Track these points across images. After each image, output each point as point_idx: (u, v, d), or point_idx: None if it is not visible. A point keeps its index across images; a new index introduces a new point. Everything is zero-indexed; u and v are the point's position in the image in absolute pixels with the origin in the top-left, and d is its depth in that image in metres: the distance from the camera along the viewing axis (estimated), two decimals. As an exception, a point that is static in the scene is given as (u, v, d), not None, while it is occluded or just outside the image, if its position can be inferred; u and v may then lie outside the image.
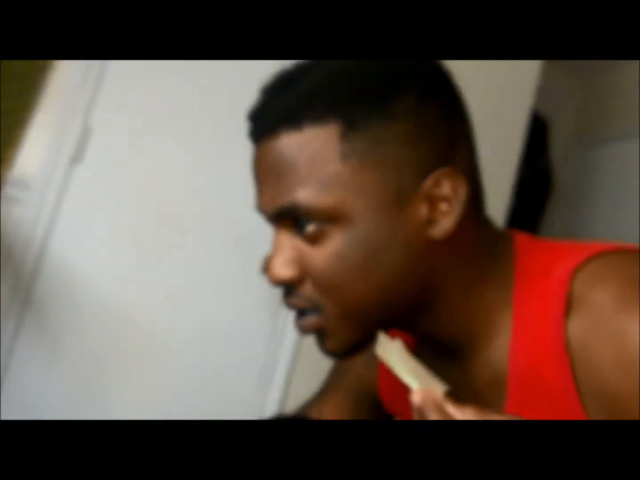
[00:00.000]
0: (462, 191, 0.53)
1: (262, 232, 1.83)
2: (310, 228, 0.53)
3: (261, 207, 0.57)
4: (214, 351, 1.89)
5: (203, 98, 1.92)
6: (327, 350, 0.58)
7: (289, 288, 0.56)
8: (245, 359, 1.91)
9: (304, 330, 0.57)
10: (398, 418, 0.73)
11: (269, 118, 0.54)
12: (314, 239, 0.53)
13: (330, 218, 0.52)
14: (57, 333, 1.82)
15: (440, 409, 0.42)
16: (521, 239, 0.59)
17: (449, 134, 0.54)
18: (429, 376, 0.45)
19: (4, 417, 1.74)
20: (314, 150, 0.52)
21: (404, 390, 0.67)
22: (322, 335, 0.57)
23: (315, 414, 0.77)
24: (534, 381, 0.53)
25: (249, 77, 1.82)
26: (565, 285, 0.52)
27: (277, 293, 1.84)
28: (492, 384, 0.57)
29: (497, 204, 2.09)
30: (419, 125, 0.53)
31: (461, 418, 0.41)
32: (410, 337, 0.65)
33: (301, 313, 0.57)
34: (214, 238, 1.91)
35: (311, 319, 0.56)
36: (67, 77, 1.83)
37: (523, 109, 2.14)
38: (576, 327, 0.51)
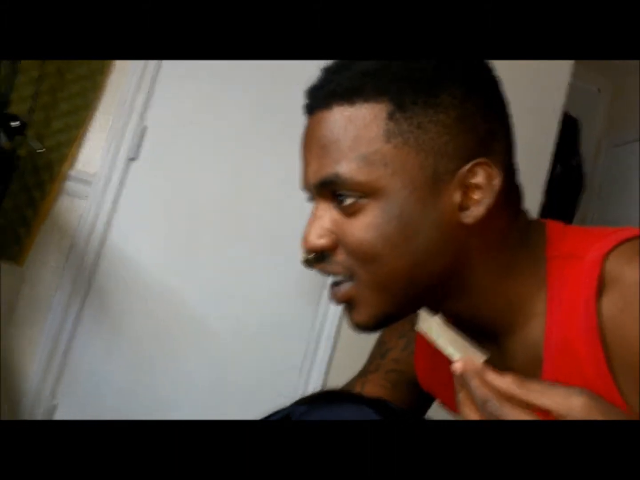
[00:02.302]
0: (496, 182, 0.54)
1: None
2: (349, 201, 0.54)
3: (305, 180, 0.59)
4: (260, 337, 1.96)
5: (251, 98, 1.98)
6: (356, 323, 0.59)
7: (323, 256, 0.58)
8: (288, 346, 1.98)
9: (337, 299, 0.59)
10: (435, 396, 0.76)
11: (325, 93, 0.56)
12: (351, 212, 0.55)
13: (368, 192, 0.54)
14: (116, 316, 1.90)
15: (481, 376, 0.42)
16: (553, 225, 0.60)
17: (488, 127, 0.56)
18: (469, 346, 0.45)
19: (68, 395, 1.85)
20: (361, 126, 0.54)
21: (440, 369, 0.67)
22: (352, 305, 0.58)
23: (357, 390, 0.78)
24: (567, 360, 0.53)
25: (296, 79, 1.86)
26: (597, 266, 0.52)
27: (318, 287, 1.93)
28: (528, 364, 0.57)
29: (530, 201, 2.06)
30: (461, 117, 0.54)
31: (500, 384, 0.41)
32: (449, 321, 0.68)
33: (335, 284, 0.58)
34: (263, 233, 1.97)
35: (344, 288, 0.57)
36: (124, 79, 1.91)
37: (555, 109, 2.15)
38: (608, 306, 0.51)
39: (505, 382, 0.41)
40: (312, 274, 1.93)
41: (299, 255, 1.94)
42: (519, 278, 0.57)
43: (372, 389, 0.78)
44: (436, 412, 0.78)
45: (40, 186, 1.84)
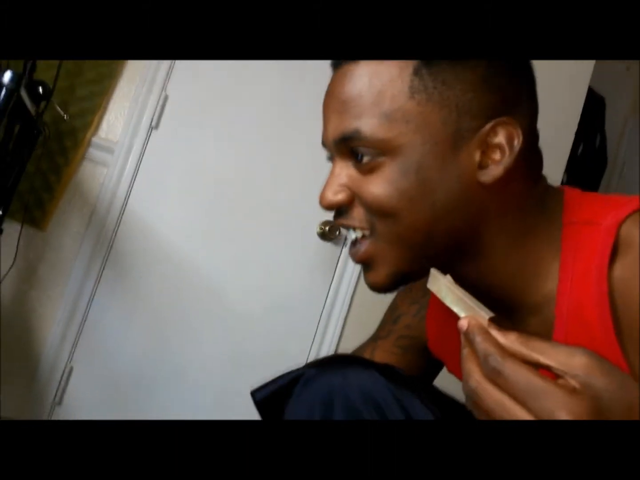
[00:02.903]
0: (516, 143, 0.54)
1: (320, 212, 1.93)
2: (366, 159, 0.55)
3: (325, 136, 0.59)
4: (275, 307, 1.99)
5: (275, 71, 1.97)
6: (373, 282, 0.60)
7: (340, 211, 0.59)
8: (302, 317, 2.01)
9: (357, 258, 0.60)
10: (444, 363, 0.77)
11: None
12: (368, 170, 0.55)
13: (387, 150, 0.54)
14: (134, 283, 1.94)
15: (485, 333, 0.42)
16: (571, 192, 0.61)
17: (512, 89, 0.55)
18: (476, 305, 0.45)
19: (84, 358, 1.91)
20: (386, 81, 0.54)
21: (450, 337, 0.68)
22: (370, 265, 0.59)
23: (367, 356, 0.81)
24: (577, 324, 0.54)
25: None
26: (613, 232, 0.53)
27: (332, 261, 1.95)
28: (541, 330, 0.58)
29: (551, 180, 2.08)
30: (487, 76, 0.54)
31: (504, 341, 0.41)
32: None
33: (355, 242, 0.60)
34: (281, 205, 1.99)
35: (365, 245, 0.58)
36: None
37: (580, 87, 2.12)
38: (620, 270, 0.52)
39: (509, 339, 0.42)
40: (327, 248, 1.97)
41: (315, 229, 1.97)
42: (533, 242, 0.58)
43: (382, 354, 0.80)
44: (444, 380, 0.80)
45: (64, 152, 1.86)
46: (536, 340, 0.41)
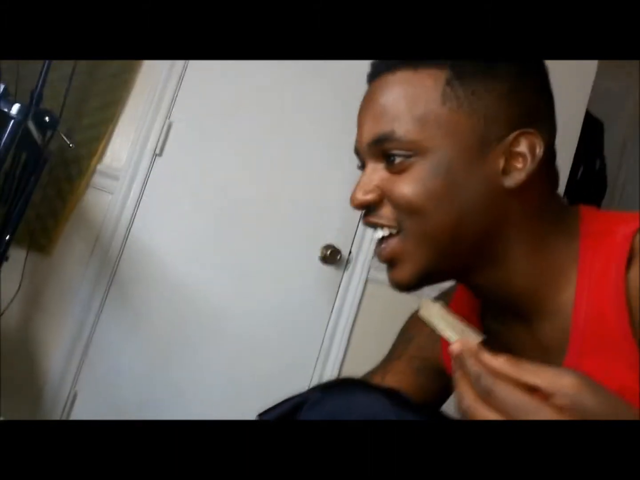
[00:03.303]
0: (538, 152, 0.58)
1: (325, 222, 1.94)
2: (398, 160, 0.58)
3: (359, 141, 0.62)
4: (277, 330, 1.99)
5: (277, 95, 2.00)
6: (398, 280, 0.61)
7: (369, 210, 0.61)
8: (305, 337, 2.01)
9: (383, 257, 0.62)
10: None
11: (391, 61, 0.60)
12: (399, 170, 0.58)
13: (419, 151, 0.57)
14: (137, 307, 1.95)
15: (476, 356, 0.43)
16: (586, 207, 0.64)
17: (536, 104, 0.60)
18: (467, 330, 0.47)
19: (88, 383, 1.91)
20: (420, 89, 0.58)
21: None
22: (395, 263, 0.61)
23: (378, 380, 0.80)
24: (595, 329, 0.56)
25: (326, 76, 1.88)
26: (628, 241, 0.55)
27: (335, 281, 1.96)
28: (557, 336, 0.59)
29: None
30: (514, 89, 0.58)
31: (494, 364, 0.42)
32: (474, 302, 0.69)
33: (382, 240, 0.62)
34: (282, 230, 2.00)
35: (392, 243, 0.60)
36: (152, 76, 1.95)
37: (578, 109, 2.14)
38: (635, 275, 0.54)
39: (499, 361, 0.43)
40: (329, 272, 1.97)
41: (318, 248, 1.97)
42: (552, 250, 0.60)
43: (394, 376, 0.80)
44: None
45: (69, 180, 1.89)
46: (525, 362, 0.42)
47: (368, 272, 2.02)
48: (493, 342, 0.52)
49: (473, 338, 0.46)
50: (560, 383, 0.40)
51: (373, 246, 1.83)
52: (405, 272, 0.61)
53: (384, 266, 0.64)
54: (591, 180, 2.64)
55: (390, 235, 0.61)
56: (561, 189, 2.09)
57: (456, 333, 0.48)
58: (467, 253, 0.60)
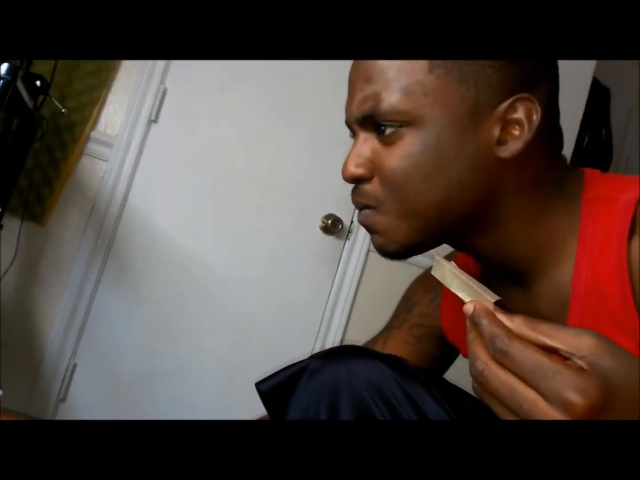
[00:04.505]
0: (535, 119, 0.54)
1: (326, 192, 1.91)
2: (389, 131, 0.56)
3: (348, 112, 0.60)
4: (279, 299, 1.98)
5: (276, 64, 1.94)
6: (381, 249, 0.60)
7: (357, 189, 0.60)
8: (307, 308, 2.00)
9: (362, 223, 0.61)
10: (459, 350, 0.77)
11: None
12: (390, 141, 0.56)
13: (408, 121, 0.55)
14: (136, 277, 1.93)
15: (491, 316, 0.42)
16: (591, 172, 0.61)
17: (532, 66, 0.55)
18: (482, 290, 0.45)
19: (87, 354, 1.90)
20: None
21: (464, 320, 0.71)
22: (375, 232, 0.60)
23: (379, 348, 0.81)
24: (595, 299, 0.54)
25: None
26: (631, 209, 0.53)
27: (337, 250, 1.94)
28: (554, 305, 0.58)
29: None
30: None
31: (510, 324, 0.41)
32: (475, 266, 0.68)
33: (362, 208, 0.60)
34: (284, 197, 1.98)
35: (369, 212, 0.59)
36: None
37: (585, 78, 2.10)
38: (638, 245, 0.52)
39: (515, 321, 0.41)
40: (330, 242, 1.96)
41: (319, 218, 1.95)
42: (551, 218, 0.58)
43: (395, 344, 0.80)
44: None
45: (63, 147, 1.85)
46: (543, 322, 0.41)
47: (370, 242, 2.00)
48: None
49: (489, 298, 0.44)
50: (578, 344, 0.38)
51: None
52: (389, 243, 0.59)
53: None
54: (597, 149, 2.61)
55: (370, 207, 0.60)
56: (567, 157, 2.06)
57: (470, 294, 0.46)
58: (457, 225, 0.58)
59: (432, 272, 0.52)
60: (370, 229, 0.60)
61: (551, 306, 0.59)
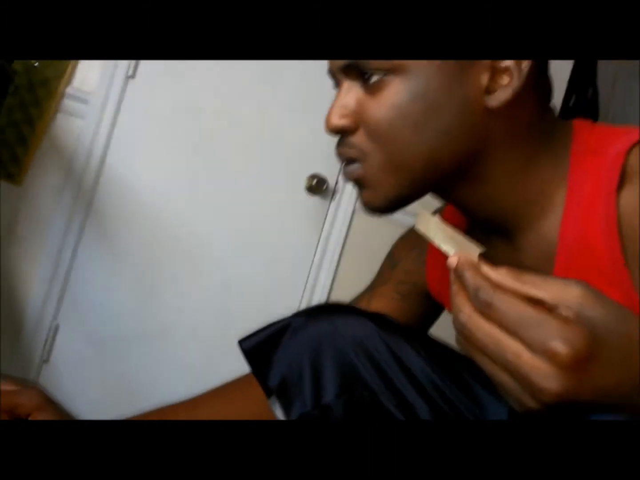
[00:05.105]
0: (525, 66, 0.53)
1: (311, 151, 1.88)
2: (374, 78, 0.54)
3: (332, 60, 0.58)
4: (263, 261, 1.96)
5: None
6: (367, 203, 0.59)
7: (342, 141, 0.58)
8: (292, 269, 1.98)
9: (347, 177, 0.59)
10: (444, 306, 0.76)
11: None
12: (375, 90, 0.54)
13: (394, 69, 0.53)
14: (117, 237, 1.90)
15: (475, 268, 0.41)
16: (580, 124, 0.60)
17: None
18: (466, 242, 0.44)
19: (69, 316, 1.88)
20: None
21: (448, 274, 0.72)
22: (362, 186, 0.58)
23: (364, 305, 0.80)
24: (582, 253, 0.54)
25: None
26: (619, 160, 0.52)
27: (321, 211, 1.92)
28: (540, 258, 0.58)
29: None
30: None
31: (495, 277, 0.40)
32: (462, 222, 0.67)
33: (348, 163, 0.59)
34: (266, 155, 1.94)
35: (355, 167, 0.58)
36: None
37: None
38: (628, 197, 0.51)
39: (500, 273, 0.40)
40: (315, 202, 1.93)
41: (304, 178, 1.92)
42: (539, 170, 0.57)
43: (380, 300, 0.79)
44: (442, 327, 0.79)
45: (37, 103, 1.79)
46: (528, 274, 0.40)
47: (355, 202, 1.98)
48: None
49: (472, 250, 0.43)
50: (565, 295, 0.37)
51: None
52: (375, 197, 0.58)
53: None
54: (584, 108, 2.61)
55: (355, 160, 0.58)
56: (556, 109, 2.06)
57: (454, 246, 0.45)
58: (444, 176, 0.57)
59: (416, 226, 0.51)
60: (356, 183, 0.59)
61: (537, 260, 0.58)
